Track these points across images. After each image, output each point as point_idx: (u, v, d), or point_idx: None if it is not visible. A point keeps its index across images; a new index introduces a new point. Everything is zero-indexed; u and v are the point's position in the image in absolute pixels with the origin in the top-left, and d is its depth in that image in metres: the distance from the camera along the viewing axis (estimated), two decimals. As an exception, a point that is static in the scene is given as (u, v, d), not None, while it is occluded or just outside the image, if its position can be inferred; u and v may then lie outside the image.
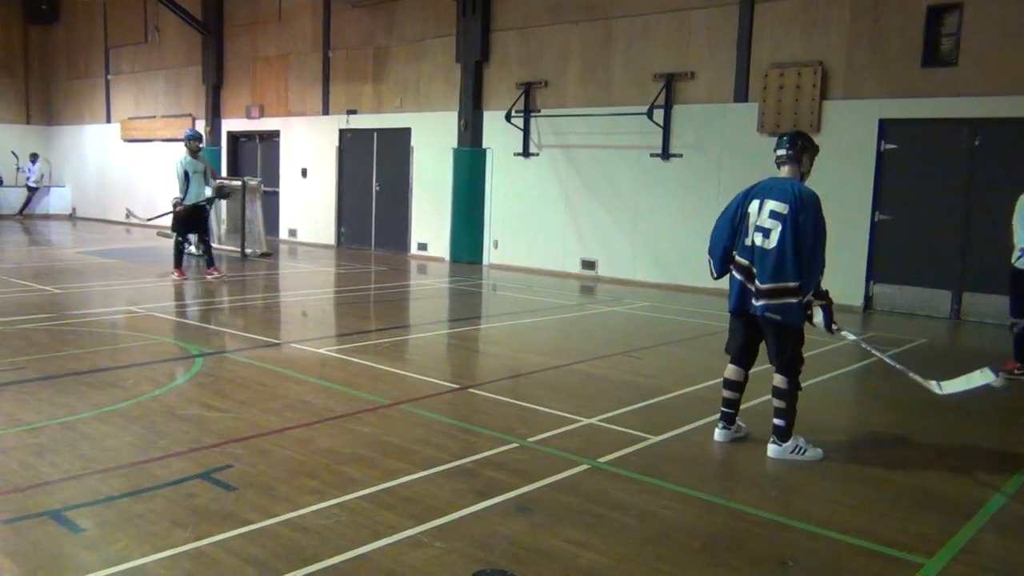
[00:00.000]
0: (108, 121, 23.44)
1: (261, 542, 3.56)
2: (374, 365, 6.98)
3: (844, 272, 11.00)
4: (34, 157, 24.12)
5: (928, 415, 5.99)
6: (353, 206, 17.63)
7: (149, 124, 21.97)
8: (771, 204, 4.85)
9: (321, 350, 7.59)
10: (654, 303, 11.21)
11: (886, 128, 10.85)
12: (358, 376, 6.63)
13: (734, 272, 5.05)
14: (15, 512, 3.80)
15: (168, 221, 15.40)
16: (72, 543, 3.53)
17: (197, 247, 14.75)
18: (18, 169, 24.11)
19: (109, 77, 23.33)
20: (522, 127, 14.41)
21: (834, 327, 4.84)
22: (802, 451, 4.93)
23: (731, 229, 5.05)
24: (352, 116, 17.27)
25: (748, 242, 4.93)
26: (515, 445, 4.97)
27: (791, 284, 4.76)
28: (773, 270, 4.79)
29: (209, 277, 11.73)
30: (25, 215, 23.90)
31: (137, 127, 22.35)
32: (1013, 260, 7.08)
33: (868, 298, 11.11)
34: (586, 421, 5.51)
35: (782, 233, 4.77)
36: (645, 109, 12.59)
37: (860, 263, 10.94)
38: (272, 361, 7.11)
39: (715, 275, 5.20)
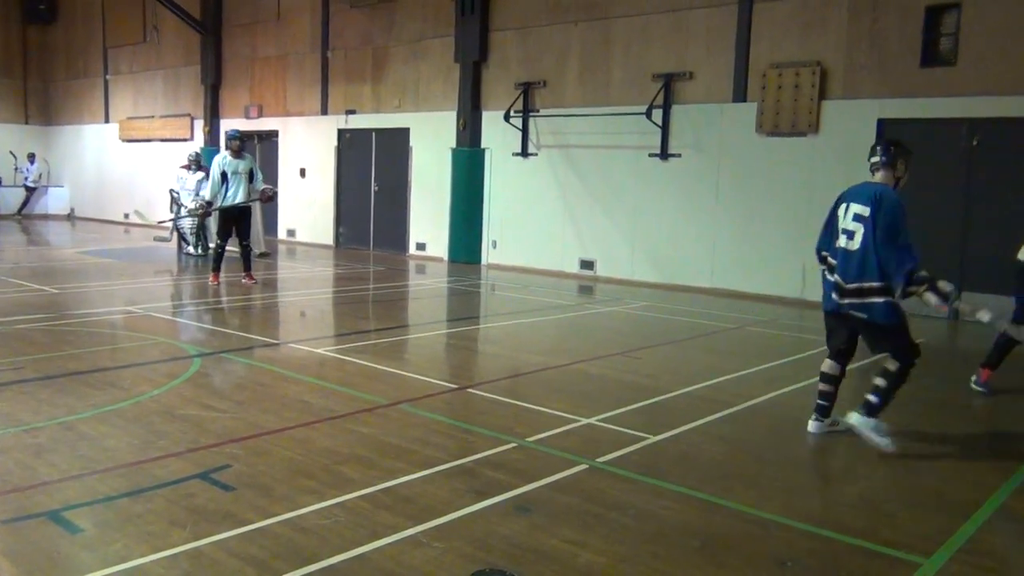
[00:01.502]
0: (106, 121, 23.42)
1: (260, 542, 3.56)
2: (372, 365, 6.98)
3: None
4: (32, 157, 24.10)
5: (927, 415, 5.99)
6: (352, 206, 17.63)
7: (148, 124, 21.97)
8: (855, 207, 5.11)
9: (319, 350, 7.59)
10: (653, 303, 11.21)
11: (885, 128, 10.85)
12: (356, 376, 6.63)
13: (827, 273, 5.31)
14: (13, 512, 3.80)
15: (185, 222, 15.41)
16: (70, 543, 3.53)
17: (195, 247, 14.79)
18: (16, 169, 24.10)
19: (107, 77, 23.32)
20: (521, 127, 14.41)
21: (950, 300, 4.87)
22: (881, 432, 5.06)
23: (826, 233, 5.35)
24: (351, 116, 17.26)
25: (837, 244, 5.20)
26: (514, 445, 4.97)
27: (874, 284, 4.98)
28: (856, 270, 5.04)
29: (246, 282, 11.43)
30: (23, 215, 23.88)
31: (136, 127, 22.34)
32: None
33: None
34: (585, 421, 5.51)
35: (864, 235, 5.03)
36: (644, 109, 12.59)
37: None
38: (270, 361, 7.11)
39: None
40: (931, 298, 4.85)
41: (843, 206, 5.22)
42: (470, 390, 6.36)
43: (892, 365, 5.10)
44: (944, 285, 4.85)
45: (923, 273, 4.86)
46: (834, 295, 5.19)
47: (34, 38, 25.05)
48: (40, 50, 25.12)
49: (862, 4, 10.93)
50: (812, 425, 5.45)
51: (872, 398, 5.10)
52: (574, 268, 13.93)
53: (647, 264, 13.08)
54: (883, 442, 5.03)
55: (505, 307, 11.11)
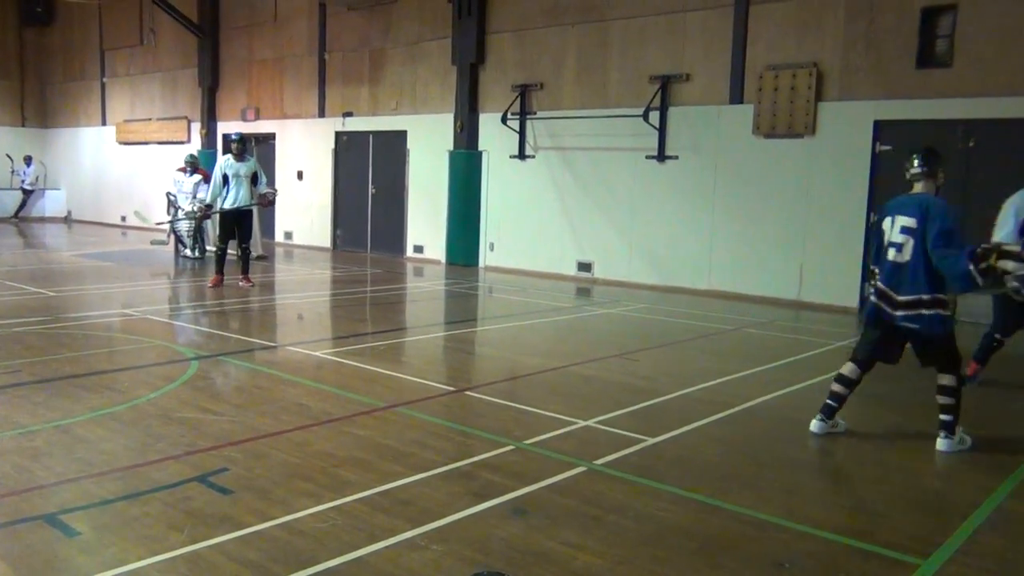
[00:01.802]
0: (103, 124, 23.40)
1: (257, 545, 3.55)
2: (370, 368, 6.98)
3: (839, 274, 11.02)
4: (28, 159, 24.09)
5: (925, 416, 5.98)
6: (349, 209, 17.62)
7: (145, 127, 21.95)
8: (901, 220, 5.16)
9: (317, 353, 7.58)
10: (650, 305, 11.21)
11: (881, 129, 10.87)
12: (354, 379, 6.62)
13: (871, 285, 5.38)
14: (10, 516, 3.79)
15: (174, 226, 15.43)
16: (67, 547, 3.52)
17: (192, 250, 14.78)
18: (12, 172, 24.08)
19: (104, 80, 23.30)
20: (518, 129, 14.42)
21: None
22: (967, 443, 5.22)
23: (874, 248, 5.41)
24: (348, 119, 17.26)
25: (886, 257, 5.25)
26: (511, 447, 4.97)
27: (924, 296, 5.06)
28: (909, 282, 5.10)
29: (243, 285, 11.40)
30: (20, 218, 23.86)
31: (133, 130, 22.31)
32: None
33: (864, 299, 11.10)
34: (582, 423, 5.51)
35: (914, 247, 5.07)
36: (641, 111, 12.60)
37: (855, 265, 10.95)
38: (268, 364, 7.10)
39: None
40: (1008, 264, 4.89)
41: (888, 219, 5.25)
42: (468, 393, 6.36)
43: (947, 380, 5.18)
44: (1009, 247, 4.96)
45: (983, 245, 4.93)
46: (885, 307, 5.21)
47: (31, 40, 25.01)
48: (37, 52, 25.09)
49: (858, 6, 10.95)
50: (816, 425, 5.44)
51: (947, 418, 5.20)
52: (572, 270, 13.93)
53: (644, 266, 13.09)
54: (967, 444, 5.24)
55: (502, 309, 11.11)
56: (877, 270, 5.33)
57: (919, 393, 6.19)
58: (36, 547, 3.49)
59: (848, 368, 5.46)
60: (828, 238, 11.18)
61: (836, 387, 5.45)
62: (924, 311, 5.06)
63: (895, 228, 5.18)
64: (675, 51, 12.61)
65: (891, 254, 5.18)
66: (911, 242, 5.08)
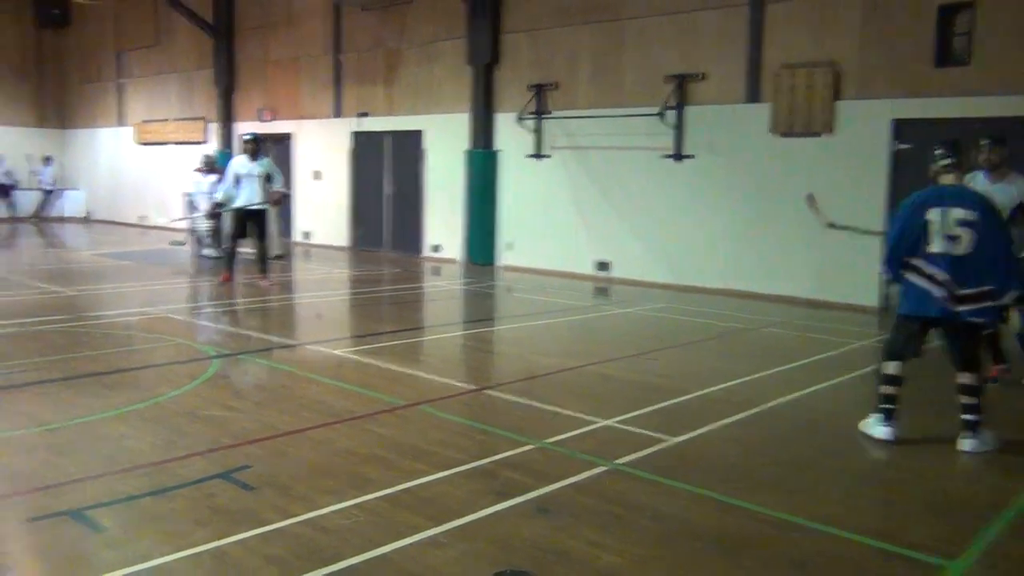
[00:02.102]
0: (120, 124, 23.57)
1: (281, 542, 3.58)
2: (390, 366, 7.00)
3: (860, 273, 10.95)
4: (48, 160, 24.31)
5: (946, 417, 5.95)
6: (366, 208, 17.67)
7: (162, 127, 22.09)
8: (958, 212, 5.05)
9: (337, 351, 7.62)
10: (667, 304, 11.19)
11: (899, 128, 10.81)
12: (374, 377, 6.65)
13: (914, 279, 5.23)
14: (37, 511, 3.83)
15: (183, 224, 15.63)
16: (94, 542, 3.56)
17: (213, 249, 14.87)
18: (32, 172, 24.30)
19: (121, 81, 23.46)
20: (533, 129, 14.42)
21: None
22: (992, 444, 5.19)
23: (909, 240, 5.22)
24: (364, 119, 17.31)
25: (933, 249, 5.13)
26: (532, 446, 4.98)
27: (990, 288, 5.03)
28: (974, 275, 5.03)
29: (263, 284, 11.46)
30: (40, 217, 24.07)
31: (150, 130, 22.47)
32: None
33: (884, 298, 11.05)
34: (603, 423, 5.51)
35: (975, 240, 5.00)
36: (657, 110, 12.58)
37: (875, 264, 10.86)
38: (288, 362, 7.14)
39: (891, 278, 5.50)
40: (1016, 318, 5.06)
41: (935, 210, 5.08)
42: (487, 391, 6.37)
43: (969, 379, 5.17)
44: None
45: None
46: (946, 302, 5.07)
47: (48, 42, 25.19)
48: (54, 54, 25.26)
49: (875, 3, 10.89)
50: (885, 432, 5.29)
51: (972, 417, 5.17)
52: (589, 270, 13.91)
53: (662, 265, 13.05)
54: (992, 445, 5.20)
55: (521, 309, 11.12)
56: (914, 261, 5.18)
57: (939, 394, 6.16)
58: (63, 542, 3.54)
59: (893, 367, 5.34)
60: (846, 237, 11.10)
61: (888, 389, 5.32)
62: (990, 303, 5.04)
63: (949, 220, 5.04)
64: (690, 50, 12.58)
65: (947, 246, 5.06)
66: (971, 234, 4.99)
